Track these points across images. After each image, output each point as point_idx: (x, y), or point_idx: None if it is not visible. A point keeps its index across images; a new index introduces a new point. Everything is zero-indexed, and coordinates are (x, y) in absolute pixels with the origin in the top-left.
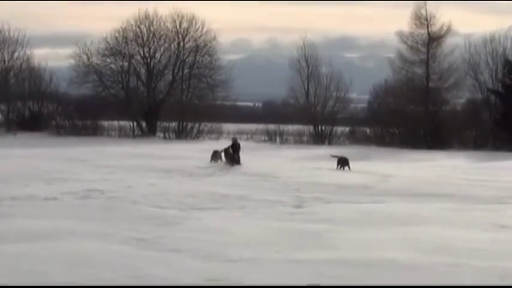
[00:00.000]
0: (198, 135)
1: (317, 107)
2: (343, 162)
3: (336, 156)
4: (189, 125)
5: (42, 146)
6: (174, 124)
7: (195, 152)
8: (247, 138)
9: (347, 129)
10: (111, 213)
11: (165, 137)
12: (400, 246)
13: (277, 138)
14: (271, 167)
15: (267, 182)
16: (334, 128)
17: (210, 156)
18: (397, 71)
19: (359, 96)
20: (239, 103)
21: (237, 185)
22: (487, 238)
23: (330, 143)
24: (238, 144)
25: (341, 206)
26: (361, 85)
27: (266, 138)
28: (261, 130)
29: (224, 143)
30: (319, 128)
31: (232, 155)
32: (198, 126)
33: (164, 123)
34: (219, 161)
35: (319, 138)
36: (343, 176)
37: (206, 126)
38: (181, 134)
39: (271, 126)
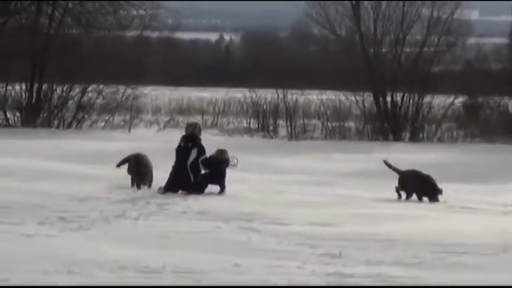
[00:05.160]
0: (85, 114)
1: (380, 46)
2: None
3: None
4: (63, 89)
5: None
6: (23, 87)
7: (79, 162)
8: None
9: (459, 100)
10: None
11: (7, 122)
12: None
13: (287, 127)
14: (268, 198)
15: (257, 235)
16: (426, 100)
17: (120, 169)
18: None
19: (486, 17)
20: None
21: (185, 243)
22: None
23: (413, 138)
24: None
25: None
26: None
27: (257, 123)
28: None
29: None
30: (391, 98)
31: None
32: (80, 91)
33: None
34: (147, 184)
35: (389, 126)
36: (450, 220)
37: (106, 90)
38: (39, 113)
39: (265, 94)
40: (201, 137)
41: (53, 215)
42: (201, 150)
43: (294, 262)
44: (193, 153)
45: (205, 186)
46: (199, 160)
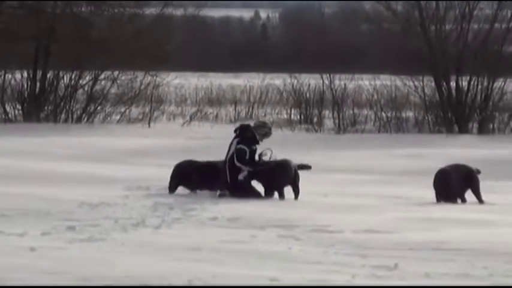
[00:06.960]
0: (98, 106)
1: (443, 22)
2: None
3: None
4: (71, 77)
5: None
6: (24, 75)
7: (90, 162)
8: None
9: None
10: None
11: (6, 117)
12: None
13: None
14: (312, 202)
15: (299, 245)
16: (497, 85)
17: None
18: None
19: None
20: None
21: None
22: None
23: (482, 130)
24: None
25: None
26: None
27: (299, 115)
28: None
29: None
30: (456, 83)
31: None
32: (92, 79)
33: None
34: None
35: (454, 116)
36: None
37: (121, 78)
38: (43, 106)
39: (308, 80)
40: (260, 142)
41: (60, 223)
42: (246, 144)
43: (342, 276)
44: (234, 144)
45: (249, 189)
46: (237, 150)
